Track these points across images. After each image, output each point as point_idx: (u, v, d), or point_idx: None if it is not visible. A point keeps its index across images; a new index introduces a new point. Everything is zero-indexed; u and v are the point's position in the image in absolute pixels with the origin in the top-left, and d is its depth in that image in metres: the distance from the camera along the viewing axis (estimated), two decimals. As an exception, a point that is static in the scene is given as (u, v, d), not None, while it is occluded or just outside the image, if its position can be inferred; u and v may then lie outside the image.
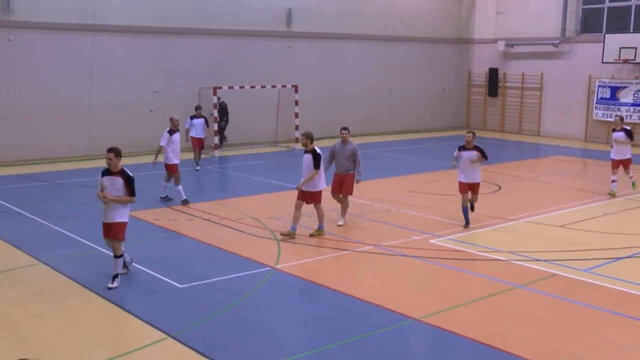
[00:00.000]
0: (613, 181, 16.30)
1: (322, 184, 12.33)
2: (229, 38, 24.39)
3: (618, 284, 9.99)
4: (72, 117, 21.47)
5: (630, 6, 26.86)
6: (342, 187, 13.19)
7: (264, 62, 25.25)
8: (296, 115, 25.08)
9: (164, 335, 8.03)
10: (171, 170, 14.98)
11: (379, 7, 28.70)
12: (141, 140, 22.12)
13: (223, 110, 23.65)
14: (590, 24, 28.35)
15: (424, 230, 12.96)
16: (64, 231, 12.58)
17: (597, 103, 27.38)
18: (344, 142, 13.18)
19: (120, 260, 9.75)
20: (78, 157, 20.84)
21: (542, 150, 25.84)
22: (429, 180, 18.39)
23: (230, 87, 23.31)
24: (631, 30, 26.54)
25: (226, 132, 24.19)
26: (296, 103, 25.07)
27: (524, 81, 30.09)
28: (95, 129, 21.69)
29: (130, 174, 9.74)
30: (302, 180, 12.25)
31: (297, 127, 24.76)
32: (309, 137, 12.20)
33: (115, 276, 9.66)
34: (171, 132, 14.98)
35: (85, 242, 11.86)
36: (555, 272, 10.53)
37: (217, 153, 22.86)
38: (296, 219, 12.23)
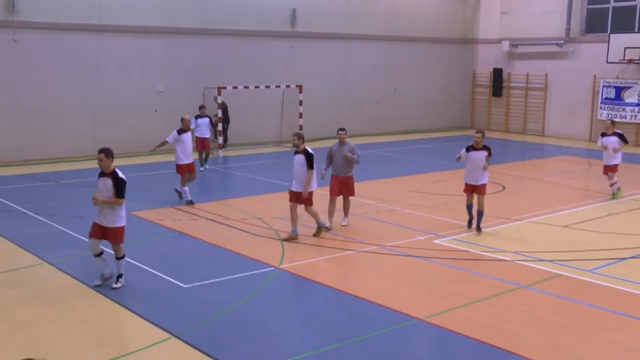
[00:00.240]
0: (611, 185, 16.00)
1: (314, 184, 12.15)
2: (234, 38, 24.40)
3: (622, 285, 9.97)
4: (76, 117, 21.50)
5: (635, 6, 26.78)
6: (341, 190, 12.99)
7: (268, 62, 25.26)
8: (300, 115, 25.09)
9: (168, 335, 8.04)
10: (178, 170, 14.96)
11: (384, 7, 28.68)
12: (145, 140, 22.06)
13: (223, 110, 23.63)
14: (595, 23, 28.28)
15: (428, 230, 12.94)
16: (68, 231, 12.60)
17: (601, 103, 27.30)
18: (342, 143, 12.97)
19: (123, 261, 9.70)
20: (82, 157, 20.87)
21: (547, 151, 25.80)
22: (433, 180, 18.37)
23: (235, 87, 23.33)
24: (636, 30, 26.47)
25: (228, 133, 24.18)
26: (300, 103, 25.08)
27: (529, 81, 30.04)
28: (100, 129, 21.71)
29: (121, 176, 9.41)
30: (294, 182, 12.10)
31: (301, 127, 24.74)
32: (300, 137, 12.05)
33: (119, 276, 9.66)
34: (180, 131, 14.92)
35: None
36: (560, 272, 10.51)
37: (221, 153, 22.87)
38: (294, 220, 12.17)
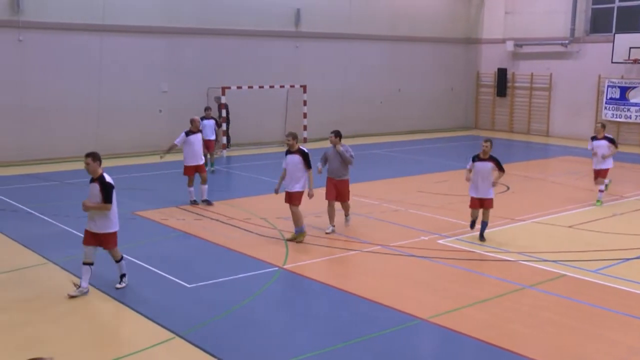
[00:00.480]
0: (600, 191, 15.43)
1: (305, 184, 11.99)
2: (238, 38, 24.43)
3: (626, 285, 9.94)
4: (81, 117, 21.55)
5: (641, 6, 26.76)
6: (337, 194, 12.67)
7: (272, 62, 25.28)
8: (304, 116, 25.09)
9: (172, 335, 8.05)
10: (185, 171, 14.90)
11: (387, 7, 28.68)
12: (149, 141, 22.19)
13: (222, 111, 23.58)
14: (599, 23, 28.22)
15: (432, 230, 12.92)
16: (72, 230, 12.62)
17: (606, 103, 27.25)
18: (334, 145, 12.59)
19: (123, 262, 9.59)
20: (87, 157, 20.88)
21: (551, 151, 25.75)
22: (438, 180, 18.36)
23: (239, 87, 23.34)
24: (641, 30, 26.45)
25: (229, 133, 24.14)
26: (304, 103, 25.09)
27: (533, 81, 29.99)
28: (104, 129, 21.75)
29: (108, 181, 9.19)
30: (288, 183, 11.95)
31: (305, 127, 24.78)
32: (295, 137, 11.89)
33: (122, 275, 9.65)
34: (189, 133, 14.80)
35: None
36: (564, 272, 10.49)
37: (225, 153, 22.89)
38: (297, 220, 12.11)
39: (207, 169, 19.03)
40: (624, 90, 26.68)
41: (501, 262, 11.08)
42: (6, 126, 20.33)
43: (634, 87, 26.35)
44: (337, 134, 12.62)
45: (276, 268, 10.61)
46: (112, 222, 9.36)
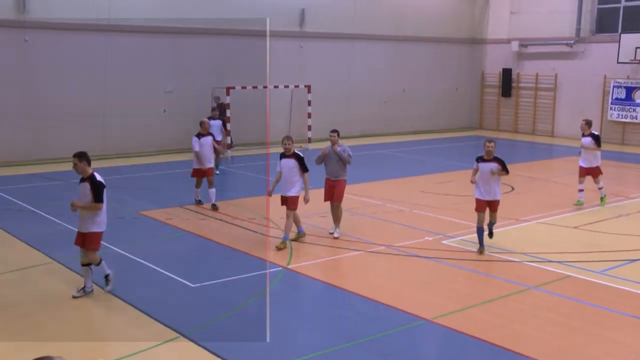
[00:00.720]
0: (580, 190, 15.34)
1: (300, 189, 11.93)
2: (242, 38, 24.43)
3: (632, 286, 9.92)
4: (86, 116, 21.58)
5: (646, 6, 26.69)
6: (331, 194, 12.50)
7: (277, 62, 25.25)
8: (309, 116, 25.07)
9: (176, 334, 8.06)
10: (193, 174, 14.82)
11: (392, 7, 28.65)
12: (154, 140, 22.23)
13: (223, 111, 23.55)
14: (605, 23, 28.14)
15: (437, 230, 12.91)
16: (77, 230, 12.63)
17: (612, 104, 27.18)
18: (334, 144, 12.50)
19: (102, 263, 9.31)
20: (91, 156, 20.78)
21: (556, 151, 25.70)
22: (442, 180, 18.34)
23: (244, 87, 23.34)
24: (647, 30, 26.37)
25: (232, 133, 24.11)
26: (309, 103, 25.07)
27: (538, 81, 29.93)
28: (109, 128, 21.78)
29: (98, 180, 9.07)
30: (283, 187, 11.86)
31: (309, 127, 24.76)
32: (292, 141, 11.86)
33: (107, 276, 9.36)
34: (199, 135, 14.73)
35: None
36: (569, 273, 10.47)
37: (229, 153, 22.89)
38: (298, 222, 12.12)
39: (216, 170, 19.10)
40: (629, 90, 26.60)
41: (505, 263, 11.07)
42: (12, 126, 20.36)
43: (640, 88, 26.28)
44: (338, 134, 12.59)
45: (280, 268, 10.62)
46: (98, 222, 9.18)
